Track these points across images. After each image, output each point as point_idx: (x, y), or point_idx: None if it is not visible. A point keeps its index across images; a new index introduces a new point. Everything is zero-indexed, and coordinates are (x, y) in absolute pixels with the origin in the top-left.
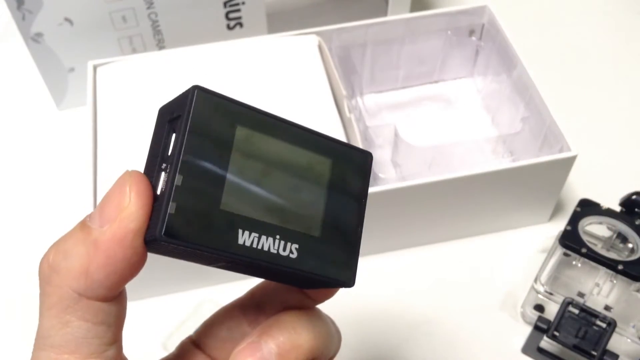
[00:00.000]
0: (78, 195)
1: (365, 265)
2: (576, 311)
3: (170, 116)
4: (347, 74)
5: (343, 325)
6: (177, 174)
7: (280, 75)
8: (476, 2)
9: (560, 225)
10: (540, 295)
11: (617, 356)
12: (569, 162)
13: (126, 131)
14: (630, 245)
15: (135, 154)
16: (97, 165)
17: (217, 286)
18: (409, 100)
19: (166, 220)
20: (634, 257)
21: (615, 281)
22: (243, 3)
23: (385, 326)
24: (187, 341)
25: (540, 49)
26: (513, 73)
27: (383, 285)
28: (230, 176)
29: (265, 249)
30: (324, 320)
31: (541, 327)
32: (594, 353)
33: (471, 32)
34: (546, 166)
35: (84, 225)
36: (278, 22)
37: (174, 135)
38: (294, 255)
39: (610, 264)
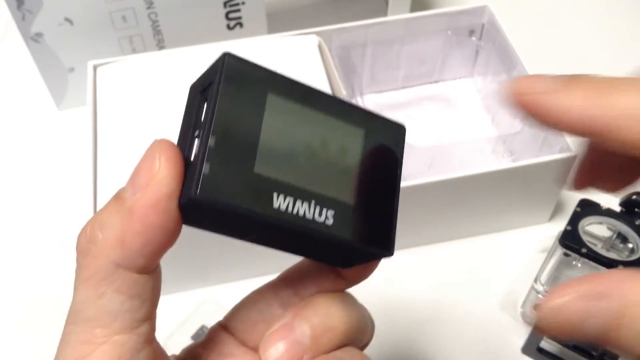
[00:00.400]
0: (78, 195)
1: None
2: None
3: (202, 87)
4: (347, 74)
5: None
6: (210, 136)
7: None
8: (476, 2)
9: (560, 225)
10: (540, 295)
11: (617, 356)
12: (569, 162)
13: (126, 131)
14: (630, 245)
15: (135, 154)
16: (97, 165)
17: (217, 286)
18: (409, 100)
19: (201, 180)
20: (634, 257)
21: None
22: (243, 3)
23: (385, 326)
24: (216, 327)
25: (540, 49)
26: (513, 73)
27: (383, 286)
28: (263, 140)
29: (301, 214)
30: (358, 305)
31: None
32: (594, 353)
33: (471, 32)
34: (546, 166)
35: (118, 196)
36: (278, 22)
37: (205, 103)
38: (330, 222)
39: (610, 264)
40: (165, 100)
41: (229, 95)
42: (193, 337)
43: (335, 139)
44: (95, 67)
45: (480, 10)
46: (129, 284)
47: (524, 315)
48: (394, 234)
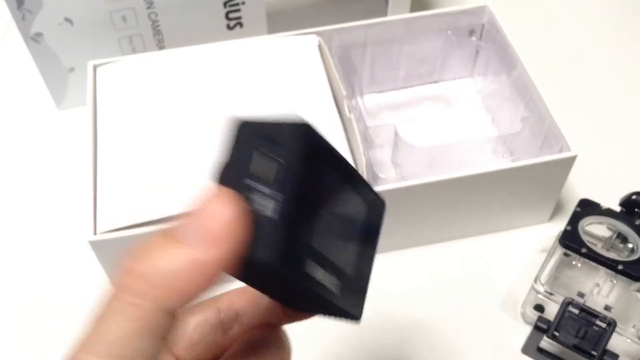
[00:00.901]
0: (78, 195)
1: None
2: (576, 311)
3: (266, 137)
4: (347, 74)
5: (343, 324)
6: (286, 203)
7: (280, 75)
8: (476, 2)
9: (560, 225)
10: (540, 295)
11: (617, 356)
12: (569, 162)
13: (126, 131)
14: (630, 245)
15: (135, 154)
16: (97, 165)
17: (218, 286)
18: (409, 100)
19: (278, 247)
20: (634, 257)
21: (615, 281)
22: (243, 3)
23: (385, 326)
24: None
25: (540, 49)
26: (513, 73)
27: (383, 286)
28: (320, 212)
29: (318, 279)
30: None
31: (541, 327)
32: (594, 353)
33: (471, 32)
34: (546, 166)
35: (177, 240)
36: (278, 22)
37: (269, 159)
38: (333, 289)
39: (610, 264)
40: (165, 100)
41: (303, 167)
42: None
43: (351, 211)
44: (95, 67)
45: (480, 10)
46: (169, 328)
47: (524, 315)
48: (364, 302)
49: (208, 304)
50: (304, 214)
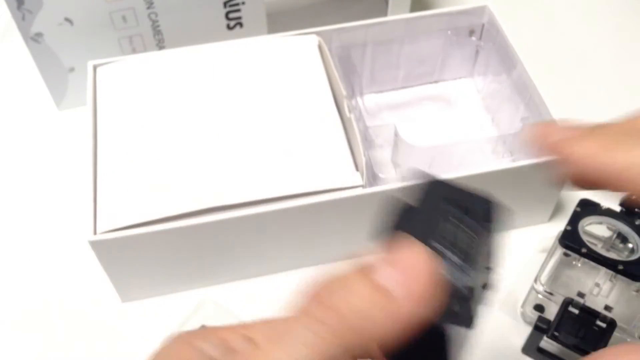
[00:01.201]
0: (78, 195)
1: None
2: (576, 311)
3: (457, 204)
4: (347, 74)
5: None
6: (475, 282)
7: (280, 75)
8: (476, 2)
9: (560, 225)
10: (540, 295)
11: None
12: None
13: (126, 131)
14: (630, 245)
15: (135, 154)
16: (97, 165)
17: (217, 286)
18: (409, 100)
19: (473, 318)
20: (634, 257)
21: (615, 281)
22: (243, 3)
23: None
24: None
25: (540, 49)
26: (513, 73)
27: None
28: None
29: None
30: None
31: (541, 327)
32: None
33: (471, 32)
34: (546, 166)
35: (374, 281)
36: (278, 22)
37: (459, 229)
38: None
39: (610, 264)
40: (165, 101)
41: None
42: None
43: None
44: (95, 67)
45: (480, 10)
46: None
47: (524, 315)
48: None
49: None
50: (479, 287)
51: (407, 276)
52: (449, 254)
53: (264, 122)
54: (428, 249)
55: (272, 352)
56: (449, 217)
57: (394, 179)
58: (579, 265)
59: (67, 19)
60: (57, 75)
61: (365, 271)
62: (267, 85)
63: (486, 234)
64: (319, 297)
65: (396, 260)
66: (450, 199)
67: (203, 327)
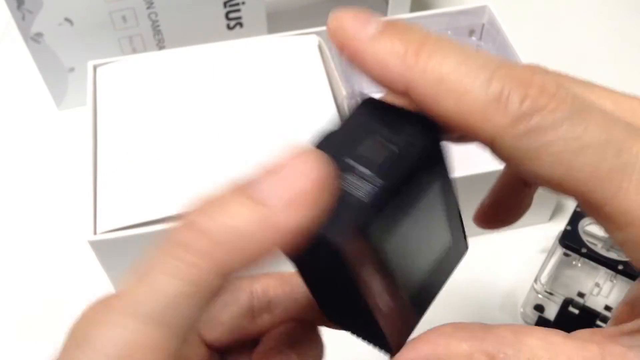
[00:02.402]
0: (78, 195)
1: None
2: (576, 311)
3: (387, 124)
4: (347, 74)
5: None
6: (383, 193)
7: (280, 75)
8: (476, 2)
9: (560, 225)
10: (540, 295)
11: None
12: None
13: (126, 131)
14: None
15: (135, 154)
16: (97, 165)
17: None
18: None
19: (355, 231)
20: None
21: (615, 281)
22: (243, 3)
23: None
24: None
25: (540, 49)
26: None
27: None
28: (404, 221)
29: (373, 288)
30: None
31: None
32: None
33: (471, 32)
34: None
35: (251, 197)
36: (278, 22)
37: (383, 146)
38: (384, 309)
39: (610, 264)
40: (165, 100)
41: (416, 165)
42: None
43: (434, 239)
44: (95, 67)
45: (480, 10)
46: (216, 295)
47: (524, 315)
48: (407, 339)
49: (242, 285)
50: (390, 213)
51: (284, 180)
52: (359, 167)
53: (264, 122)
54: (319, 155)
55: (139, 287)
56: (375, 136)
57: None
58: (579, 265)
59: (67, 19)
60: (57, 75)
61: (240, 186)
62: (267, 86)
63: (413, 148)
64: (190, 220)
65: (277, 169)
66: (382, 119)
67: None
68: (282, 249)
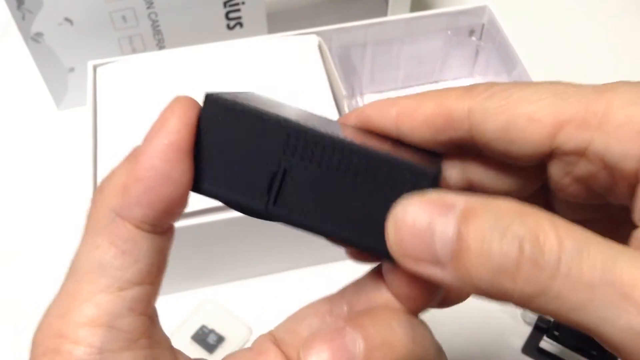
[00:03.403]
0: (78, 195)
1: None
2: None
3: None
4: (347, 74)
5: None
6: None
7: (280, 75)
8: (476, 2)
9: None
10: None
11: (617, 356)
12: None
13: (126, 131)
14: None
15: None
16: (97, 165)
17: (218, 286)
18: None
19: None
20: None
21: None
22: (243, 3)
23: None
24: (266, 335)
25: (540, 49)
26: (513, 73)
27: None
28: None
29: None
30: (426, 329)
31: (541, 327)
32: (594, 353)
33: (471, 32)
34: None
35: (132, 149)
36: (278, 22)
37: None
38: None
39: None
40: (165, 100)
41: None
42: (193, 337)
43: None
44: (95, 67)
45: (480, 10)
46: (124, 237)
47: (524, 315)
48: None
49: (323, 299)
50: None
51: (149, 129)
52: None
53: None
54: (185, 96)
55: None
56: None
57: None
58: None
59: (67, 19)
60: (57, 75)
61: (133, 152)
62: (267, 85)
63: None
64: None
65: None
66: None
67: (203, 327)
68: (171, 175)
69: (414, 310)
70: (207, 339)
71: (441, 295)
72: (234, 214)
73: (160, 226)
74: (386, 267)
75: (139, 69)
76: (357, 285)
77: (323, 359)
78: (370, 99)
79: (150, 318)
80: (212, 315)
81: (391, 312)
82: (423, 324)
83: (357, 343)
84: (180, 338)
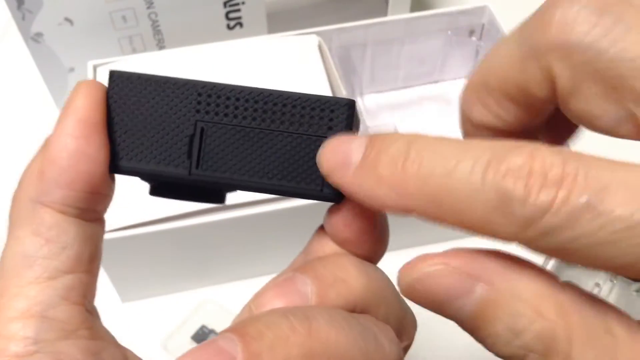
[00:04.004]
0: None
1: None
2: None
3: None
4: (347, 74)
5: None
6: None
7: (280, 75)
8: (476, 2)
9: None
10: None
11: None
12: None
13: None
14: None
15: None
16: None
17: (217, 286)
18: (409, 100)
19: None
20: None
21: (615, 281)
22: (243, 3)
23: None
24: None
25: None
26: None
27: None
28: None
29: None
30: (381, 271)
31: None
32: None
33: (471, 32)
34: None
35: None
36: (278, 22)
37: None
38: None
39: None
40: None
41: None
42: (193, 337)
43: None
44: (95, 67)
45: (480, 10)
46: (48, 224)
47: None
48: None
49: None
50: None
51: (61, 113)
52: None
53: None
54: (89, 80)
55: None
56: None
57: None
58: (579, 265)
59: (67, 19)
60: (57, 75)
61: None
62: (267, 86)
63: None
64: None
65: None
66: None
67: (203, 327)
68: (86, 151)
69: (364, 257)
70: (207, 339)
71: (384, 237)
72: (234, 214)
73: (87, 211)
74: (326, 218)
75: (139, 69)
76: (304, 253)
77: (276, 305)
78: (370, 99)
79: (88, 310)
80: (212, 315)
81: (341, 255)
82: (376, 267)
83: (307, 284)
84: (180, 338)
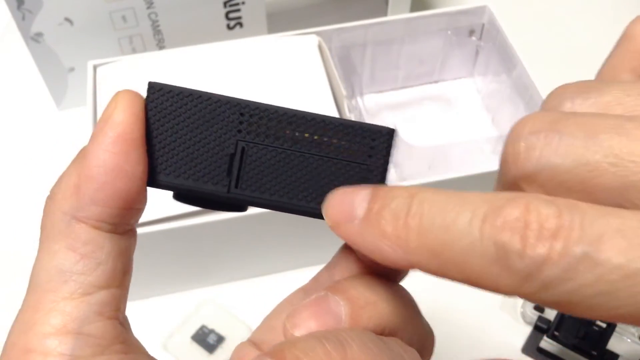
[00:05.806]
0: None
1: None
2: None
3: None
4: (347, 74)
5: None
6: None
7: (280, 75)
8: (476, 2)
9: None
10: None
11: (617, 356)
12: None
13: None
14: None
15: None
16: None
17: (217, 286)
18: (409, 100)
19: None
20: None
21: None
22: (243, 3)
23: None
24: (244, 343)
25: (540, 49)
26: (513, 73)
27: None
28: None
29: None
30: (407, 291)
31: (541, 327)
32: (594, 353)
33: (471, 32)
34: None
35: (80, 150)
36: (278, 22)
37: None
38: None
39: None
40: None
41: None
42: (193, 337)
43: None
44: (95, 67)
45: (480, 10)
46: (83, 240)
47: (524, 315)
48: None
49: (295, 292)
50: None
51: (98, 125)
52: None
53: None
54: (127, 90)
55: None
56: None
57: (394, 179)
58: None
59: (67, 19)
60: (57, 75)
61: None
62: (267, 86)
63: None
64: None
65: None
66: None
67: (203, 327)
68: (124, 167)
69: (391, 274)
70: (207, 339)
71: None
72: (235, 214)
73: (121, 225)
74: None
75: (139, 69)
76: (328, 268)
77: (311, 326)
78: (370, 98)
79: (121, 323)
80: (212, 315)
81: (368, 276)
82: (402, 287)
83: (340, 305)
84: (180, 338)
